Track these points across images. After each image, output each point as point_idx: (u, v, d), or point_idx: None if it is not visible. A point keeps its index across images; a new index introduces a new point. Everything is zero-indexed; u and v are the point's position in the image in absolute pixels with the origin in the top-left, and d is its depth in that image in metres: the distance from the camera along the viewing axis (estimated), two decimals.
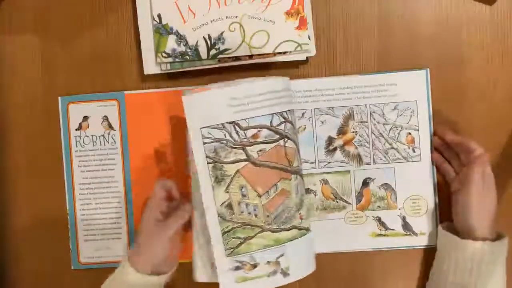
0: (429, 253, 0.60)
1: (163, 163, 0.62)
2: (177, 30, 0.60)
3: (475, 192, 0.54)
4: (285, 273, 0.54)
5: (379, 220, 0.60)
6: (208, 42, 0.60)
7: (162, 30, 0.60)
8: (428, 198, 0.59)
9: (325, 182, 0.60)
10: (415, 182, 0.60)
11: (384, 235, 0.60)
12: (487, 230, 0.54)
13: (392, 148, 0.60)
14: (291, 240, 0.54)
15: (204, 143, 0.52)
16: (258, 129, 0.52)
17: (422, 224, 0.60)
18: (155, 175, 0.62)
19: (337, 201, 0.60)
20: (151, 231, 0.54)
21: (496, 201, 0.55)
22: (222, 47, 0.59)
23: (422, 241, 0.60)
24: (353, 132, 0.60)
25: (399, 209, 0.60)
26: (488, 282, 0.53)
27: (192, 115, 0.51)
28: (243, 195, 0.53)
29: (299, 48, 0.59)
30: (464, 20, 0.61)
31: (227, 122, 0.51)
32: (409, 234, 0.60)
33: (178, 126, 0.61)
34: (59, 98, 0.63)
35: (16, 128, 0.64)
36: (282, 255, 0.54)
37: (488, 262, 0.53)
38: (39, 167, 0.64)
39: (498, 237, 0.54)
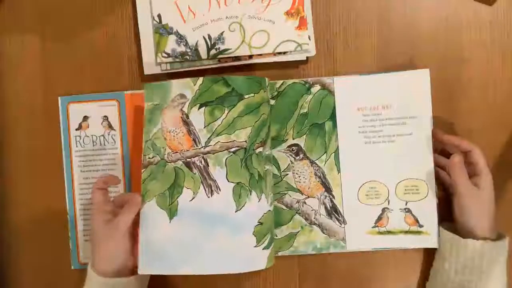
0: (429, 253, 0.60)
1: None
2: (177, 30, 0.60)
3: (467, 196, 0.54)
4: None
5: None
6: (208, 42, 0.60)
7: (162, 30, 0.60)
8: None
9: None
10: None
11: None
12: (487, 230, 0.54)
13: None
14: None
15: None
16: None
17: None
18: None
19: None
20: (103, 234, 0.53)
21: (493, 201, 0.55)
22: (222, 47, 0.59)
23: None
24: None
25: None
26: (489, 281, 0.53)
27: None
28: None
29: (299, 48, 0.59)
30: (464, 20, 0.61)
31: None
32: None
33: None
34: (59, 98, 0.63)
35: (16, 128, 0.64)
36: None
37: (488, 261, 0.53)
38: (39, 167, 0.64)
39: (499, 237, 0.55)
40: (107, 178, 0.57)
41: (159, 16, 0.60)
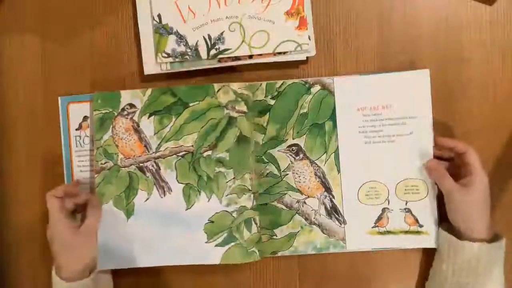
0: (429, 253, 0.60)
1: None
2: (177, 30, 0.60)
3: (455, 197, 0.54)
4: None
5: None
6: (208, 42, 0.60)
7: (162, 30, 0.60)
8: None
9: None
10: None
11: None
12: (483, 231, 0.54)
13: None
14: None
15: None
16: None
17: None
18: None
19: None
20: (74, 239, 0.56)
21: (488, 202, 0.55)
22: (222, 47, 0.59)
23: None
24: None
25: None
26: (487, 282, 0.53)
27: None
28: None
29: (299, 48, 0.59)
30: (464, 20, 0.61)
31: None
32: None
33: None
34: (59, 98, 0.63)
35: (16, 128, 0.64)
36: None
37: (485, 263, 0.53)
38: (39, 167, 0.64)
39: (496, 238, 0.55)
40: (68, 188, 0.57)
41: (159, 16, 0.60)
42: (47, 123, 0.64)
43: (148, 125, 0.60)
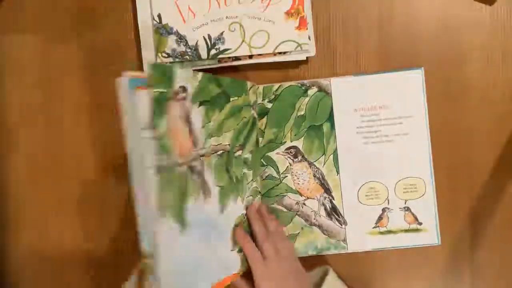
0: (430, 252, 0.60)
1: None
2: (177, 30, 0.60)
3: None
4: None
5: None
6: (208, 42, 0.60)
7: (162, 30, 0.60)
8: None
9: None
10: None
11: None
12: None
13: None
14: None
15: None
16: None
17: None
18: None
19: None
20: None
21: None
22: (222, 47, 0.59)
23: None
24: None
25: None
26: None
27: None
28: None
29: (299, 48, 0.59)
30: (464, 20, 0.61)
31: None
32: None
33: None
34: (121, 79, 0.45)
35: (15, 129, 0.64)
36: None
37: None
38: (39, 168, 0.64)
39: None
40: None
41: (159, 16, 0.60)
42: (47, 124, 0.64)
43: (197, 116, 0.47)
